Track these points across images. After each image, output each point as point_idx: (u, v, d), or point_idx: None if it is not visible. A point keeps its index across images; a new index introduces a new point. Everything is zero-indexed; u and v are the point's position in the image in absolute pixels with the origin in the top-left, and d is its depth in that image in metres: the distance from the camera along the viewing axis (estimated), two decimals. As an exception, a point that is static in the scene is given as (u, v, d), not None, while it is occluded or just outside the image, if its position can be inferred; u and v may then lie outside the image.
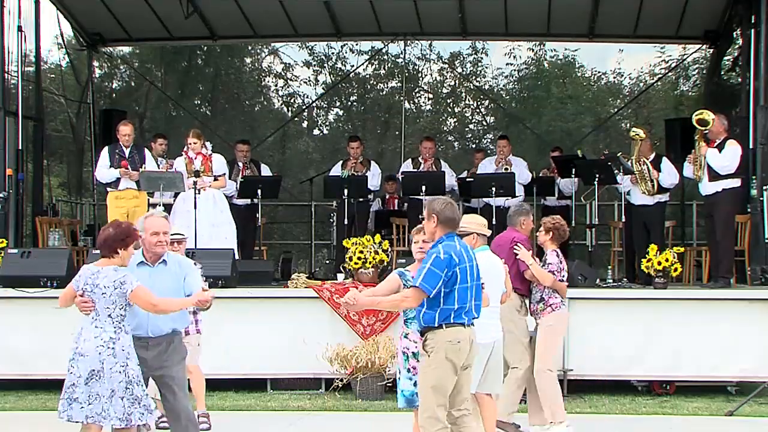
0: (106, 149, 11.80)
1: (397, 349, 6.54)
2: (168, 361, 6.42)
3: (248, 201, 12.80)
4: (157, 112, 22.33)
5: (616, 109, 21.86)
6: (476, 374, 6.84)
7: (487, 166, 13.20)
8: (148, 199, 11.90)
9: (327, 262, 15.55)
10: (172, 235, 7.62)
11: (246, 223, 12.58)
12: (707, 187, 11.17)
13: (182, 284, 6.37)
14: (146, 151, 11.92)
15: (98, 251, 6.45)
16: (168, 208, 11.43)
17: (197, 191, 11.13)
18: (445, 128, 24.11)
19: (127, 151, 11.56)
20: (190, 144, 11.65)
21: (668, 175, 11.91)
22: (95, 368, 5.99)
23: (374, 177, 13.27)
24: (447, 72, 23.54)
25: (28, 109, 13.46)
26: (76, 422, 6.06)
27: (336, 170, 13.30)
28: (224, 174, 11.87)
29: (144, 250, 6.42)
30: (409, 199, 13.03)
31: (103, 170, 11.66)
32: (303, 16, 15.30)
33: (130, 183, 11.43)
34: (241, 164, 13.22)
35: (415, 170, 13.06)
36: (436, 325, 5.88)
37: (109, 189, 11.72)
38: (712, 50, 15.92)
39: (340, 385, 9.92)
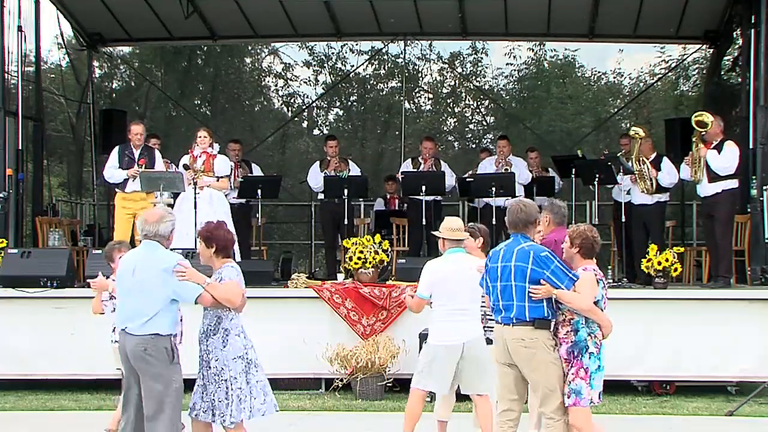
0: (116, 149, 11.71)
1: None
2: None
3: (243, 200, 12.78)
4: (157, 112, 22.31)
5: (616, 109, 21.85)
6: (446, 376, 7.12)
7: (487, 167, 13.20)
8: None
9: (325, 262, 15.56)
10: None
11: (241, 223, 12.53)
12: (707, 189, 11.16)
13: None
14: (156, 152, 11.85)
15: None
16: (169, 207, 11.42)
17: (196, 190, 11.10)
18: (445, 128, 24.11)
19: (137, 152, 11.53)
20: (199, 138, 11.61)
21: (667, 175, 11.92)
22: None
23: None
24: (447, 72, 23.55)
25: (28, 109, 13.46)
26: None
27: (315, 171, 13.20)
28: (227, 176, 11.79)
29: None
30: (409, 199, 13.01)
31: (111, 170, 11.60)
32: (303, 16, 15.29)
33: (138, 185, 11.35)
34: (233, 163, 13.18)
35: (415, 170, 13.06)
36: None
37: (117, 190, 11.70)
38: (712, 50, 15.92)
39: (340, 385, 9.93)
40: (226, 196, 12.36)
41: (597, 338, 6.28)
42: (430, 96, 24.13)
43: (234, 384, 6.24)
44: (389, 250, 11.10)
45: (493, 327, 6.68)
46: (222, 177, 11.63)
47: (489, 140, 22.31)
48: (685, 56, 19.27)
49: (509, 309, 6.25)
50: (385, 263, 10.92)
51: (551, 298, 6.21)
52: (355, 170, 13.14)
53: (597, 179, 11.96)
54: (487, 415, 7.15)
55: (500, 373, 6.43)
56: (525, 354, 6.21)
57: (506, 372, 6.35)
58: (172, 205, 11.51)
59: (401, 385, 10.02)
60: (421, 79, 23.50)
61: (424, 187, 12.18)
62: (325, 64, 23.39)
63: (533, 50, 22.62)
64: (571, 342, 6.26)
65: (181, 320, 7.08)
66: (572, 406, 6.24)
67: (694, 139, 11.28)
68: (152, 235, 6.23)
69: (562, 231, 7.81)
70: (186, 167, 11.39)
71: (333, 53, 23.09)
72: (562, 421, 6.21)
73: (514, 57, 22.64)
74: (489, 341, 7.05)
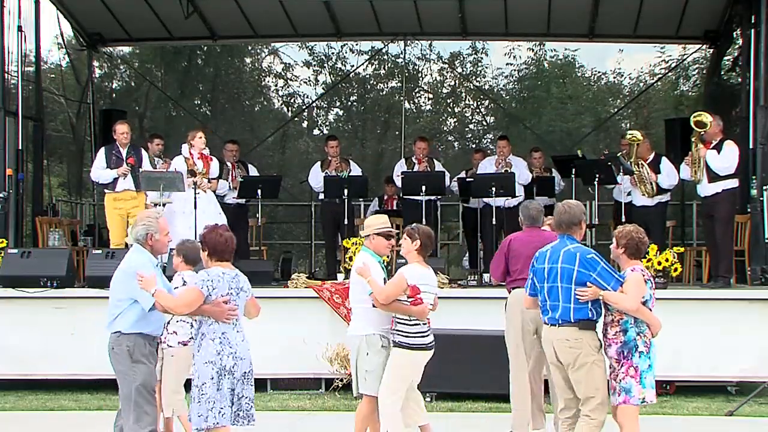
0: (102, 150, 11.80)
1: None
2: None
3: (240, 200, 12.79)
4: (157, 112, 22.34)
5: (616, 109, 21.87)
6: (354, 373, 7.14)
7: (487, 167, 13.19)
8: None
9: (326, 263, 15.56)
10: None
11: (238, 223, 12.51)
12: (707, 188, 11.16)
13: None
14: (143, 151, 11.92)
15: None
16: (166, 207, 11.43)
17: (197, 192, 11.15)
18: (445, 128, 24.13)
19: (124, 151, 11.56)
20: (199, 139, 11.67)
21: (667, 176, 11.92)
22: (246, 370, 6.19)
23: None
24: (447, 72, 23.56)
25: (28, 109, 13.45)
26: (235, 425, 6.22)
27: (316, 170, 13.21)
28: (216, 178, 12.02)
29: (154, 251, 6.45)
30: (407, 199, 13.00)
31: (99, 171, 11.64)
32: (303, 16, 15.29)
33: (128, 184, 11.41)
34: (230, 164, 13.20)
35: (410, 170, 13.08)
36: None
37: (106, 190, 11.72)
38: (712, 50, 15.92)
39: (340, 385, 9.93)
40: (224, 196, 12.48)
41: (646, 337, 6.30)
42: (430, 96, 24.14)
43: (203, 389, 6.07)
44: (389, 250, 11.07)
45: (401, 331, 6.77)
46: (213, 179, 11.84)
47: (489, 140, 22.33)
48: (685, 56, 19.28)
49: (555, 310, 6.33)
50: (385, 263, 10.89)
51: (597, 299, 6.25)
52: (356, 170, 13.16)
53: (597, 179, 11.96)
54: (358, 416, 7.05)
55: (553, 373, 6.55)
56: (569, 354, 6.30)
57: (557, 372, 6.46)
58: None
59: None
60: (421, 79, 23.51)
61: (424, 187, 12.19)
62: (325, 64, 23.41)
63: (533, 50, 22.64)
64: (621, 342, 6.30)
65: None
66: (621, 404, 6.29)
67: (693, 139, 11.28)
68: (133, 238, 6.43)
69: (529, 231, 7.98)
70: (193, 173, 11.43)
71: (333, 53, 23.12)
72: (598, 421, 6.26)
73: (514, 57, 22.70)
74: (394, 344, 6.87)
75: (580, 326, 6.27)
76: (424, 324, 6.83)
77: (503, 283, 8.19)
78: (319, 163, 13.38)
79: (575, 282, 6.25)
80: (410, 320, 6.82)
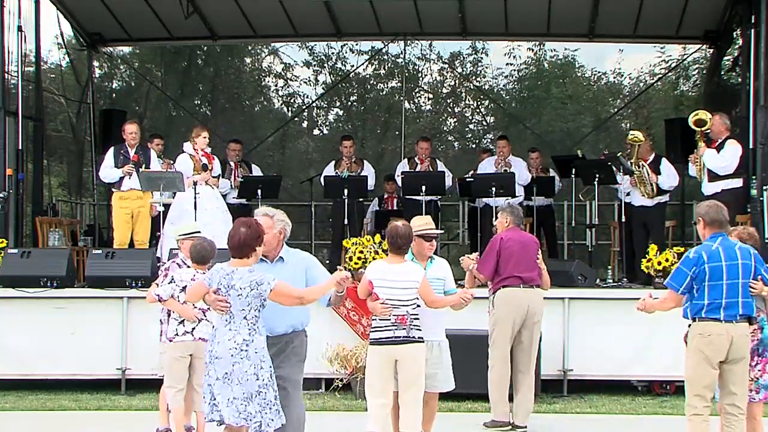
0: (111, 149, 11.83)
1: None
2: (284, 362, 6.25)
3: (243, 201, 12.81)
4: (157, 112, 22.32)
5: (616, 109, 21.87)
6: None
7: (487, 167, 13.21)
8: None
9: (327, 262, 15.54)
10: (191, 234, 7.75)
11: (241, 223, 12.58)
12: (707, 188, 11.17)
13: (303, 278, 6.51)
14: (151, 151, 11.95)
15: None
16: (168, 207, 11.42)
17: (196, 189, 11.17)
18: (445, 128, 24.12)
19: (132, 151, 11.59)
20: (203, 138, 11.70)
21: (668, 178, 11.92)
22: (227, 371, 5.87)
23: (371, 176, 13.32)
24: (447, 72, 23.56)
25: (28, 109, 13.45)
26: (222, 424, 5.99)
27: (329, 170, 13.28)
28: (219, 175, 12.05)
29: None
30: (407, 199, 13.01)
31: (107, 170, 11.69)
32: (303, 16, 15.29)
33: (134, 183, 11.41)
34: (233, 163, 13.22)
35: (412, 170, 13.09)
36: (690, 318, 6.49)
37: (113, 189, 11.76)
38: (712, 50, 15.91)
39: (340, 385, 9.93)
40: (225, 196, 12.49)
41: None
42: (430, 96, 24.13)
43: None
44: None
45: None
46: (215, 176, 11.85)
47: (489, 140, 22.33)
48: (685, 56, 19.28)
49: (734, 306, 6.41)
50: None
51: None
52: (369, 171, 13.24)
53: (597, 179, 11.97)
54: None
55: (702, 369, 6.63)
56: (747, 349, 6.54)
57: (705, 367, 6.59)
58: (170, 205, 11.54)
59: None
60: (421, 79, 23.51)
61: (423, 187, 12.19)
62: (325, 64, 23.40)
63: (533, 50, 22.63)
64: (758, 339, 6.56)
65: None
66: (762, 401, 6.66)
67: (697, 137, 11.25)
68: None
69: (515, 231, 8.51)
70: (205, 167, 11.49)
71: (333, 53, 23.10)
72: (745, 416, 6.56)
73: (514, 57, 22.68)
74: None
75: (750, 321, 6.47)
76: (380, 319, 6.93)
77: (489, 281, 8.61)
78: (333, 162, 13.45)
79: (752, 277, 6.46)
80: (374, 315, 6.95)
